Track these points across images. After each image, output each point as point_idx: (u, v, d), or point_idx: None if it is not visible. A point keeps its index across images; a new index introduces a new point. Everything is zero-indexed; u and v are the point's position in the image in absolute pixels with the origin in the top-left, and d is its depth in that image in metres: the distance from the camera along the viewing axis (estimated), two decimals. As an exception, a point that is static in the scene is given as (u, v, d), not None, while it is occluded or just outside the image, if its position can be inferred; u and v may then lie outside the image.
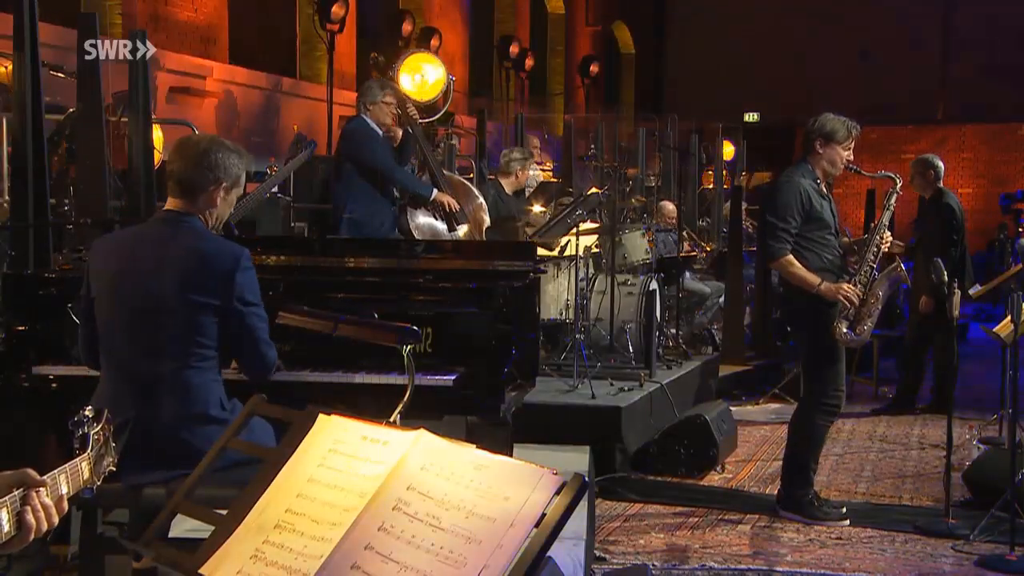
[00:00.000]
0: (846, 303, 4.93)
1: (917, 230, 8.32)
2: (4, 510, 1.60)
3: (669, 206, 9.81)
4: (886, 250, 5.18)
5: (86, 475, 1.81)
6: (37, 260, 4.66)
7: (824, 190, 5.11)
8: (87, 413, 1.86)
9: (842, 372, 5.09)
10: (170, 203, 3.10)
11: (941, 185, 7.76)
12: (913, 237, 8.44)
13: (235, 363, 3.24)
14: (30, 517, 1.64)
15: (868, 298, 4.99)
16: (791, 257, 4.93)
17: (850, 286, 4.94)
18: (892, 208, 5.18)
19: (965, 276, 7.50)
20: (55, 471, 1.73)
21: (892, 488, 5.82)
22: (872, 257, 5.04)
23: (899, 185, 5.21)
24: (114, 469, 1.92)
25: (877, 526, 5.03)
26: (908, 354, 7.99)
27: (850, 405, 8.23)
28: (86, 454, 1.82)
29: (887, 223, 5.13)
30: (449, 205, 6.13)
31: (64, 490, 1.74)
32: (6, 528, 1.61)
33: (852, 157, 5.13)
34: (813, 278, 4.92)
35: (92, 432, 1.84)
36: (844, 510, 5.13)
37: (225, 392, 3.09)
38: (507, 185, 7.87)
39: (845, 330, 4.94)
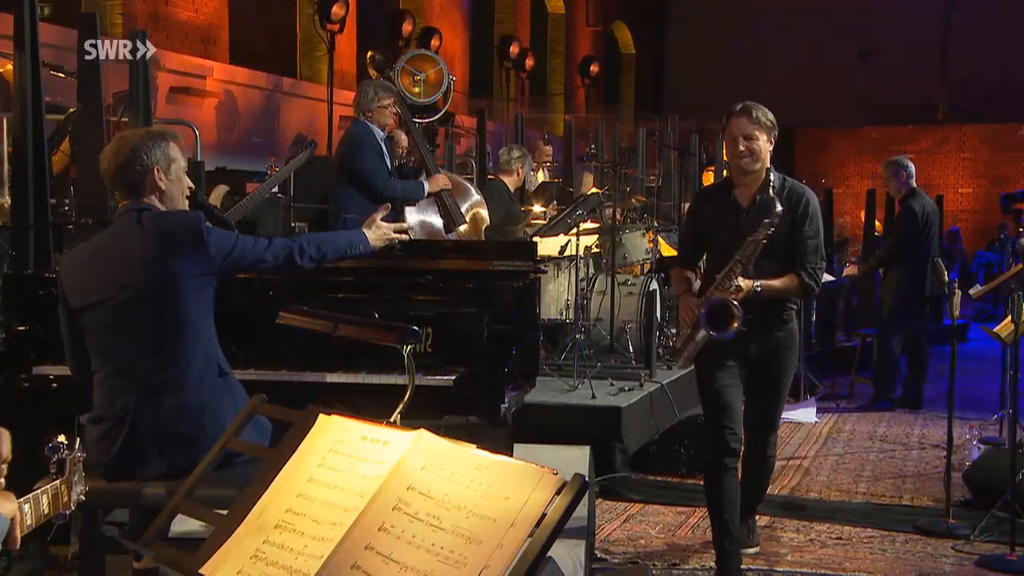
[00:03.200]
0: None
1: (887, 231, 8.34)
2: None
3: None
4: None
5: (64, 498, 1.87)
6: (37, 260, 4.65)
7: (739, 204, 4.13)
8: (61, 440, 1.90)
9: None
10: (121, 202, 3.18)
11: (914, 185, 7.78)
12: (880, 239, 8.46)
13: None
14: None
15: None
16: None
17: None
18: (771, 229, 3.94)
19: (926, 279, 7.53)
20: (38, 491, 1.80)
21: (892, 488, 5.81)
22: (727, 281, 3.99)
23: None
24: (83, 496, 1.96)
25: (877, 526, 5.03)
26: (888, 353, 8.00)
27: (850, 404, 8.24)
28: (64, 478, 1.87)
29: (751, 255, 3.96)
30: (445, 187, 6.09)
31: (45, 510, 1.80)
32: None
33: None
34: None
35: (69, 458, 1.89)
36: None
37: (222, 356, 3.14)
38: (510, 183, 7.88)
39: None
